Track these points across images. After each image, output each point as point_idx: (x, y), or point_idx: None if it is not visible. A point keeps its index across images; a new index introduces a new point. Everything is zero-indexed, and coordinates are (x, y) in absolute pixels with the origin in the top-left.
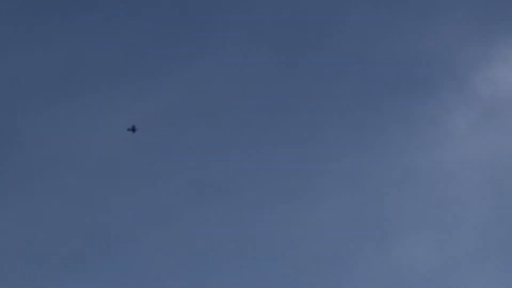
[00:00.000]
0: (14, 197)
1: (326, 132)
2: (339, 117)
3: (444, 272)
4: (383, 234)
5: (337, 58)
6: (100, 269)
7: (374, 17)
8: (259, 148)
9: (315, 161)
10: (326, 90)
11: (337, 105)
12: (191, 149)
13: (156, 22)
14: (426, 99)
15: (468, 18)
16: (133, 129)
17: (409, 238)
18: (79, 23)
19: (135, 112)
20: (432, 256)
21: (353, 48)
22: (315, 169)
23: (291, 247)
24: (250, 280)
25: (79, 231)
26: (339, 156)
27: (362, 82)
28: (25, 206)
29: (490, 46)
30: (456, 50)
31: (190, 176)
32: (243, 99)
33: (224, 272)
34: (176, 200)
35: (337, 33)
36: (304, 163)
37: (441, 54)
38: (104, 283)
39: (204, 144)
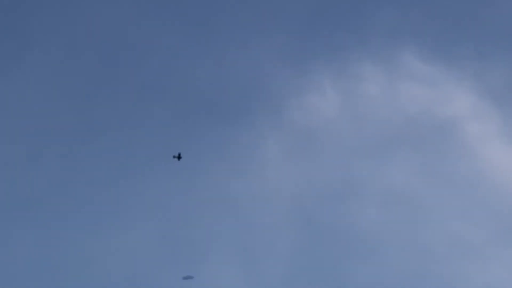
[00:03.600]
0: None
1: (135, 156)
2: (153, 141)
3: None
4: (189, 259)
5: (152, 81)
6: None
7: (189, 41)
8: (69, 169)
9: (125, 184)
10: (139, 113)
11: (152, 129)
12: None
13: None
14: (240, 125)
15: (283, 45)
16: (179, 157)
17: (216, 264)
18: None
19: None
20: (237, 283)
21: (168, 72)
22: (125, 191)
23: (96, 269)
24: None
25: None
26: (151, 180)
27: (177, 108)
28: None
29: (304, 74)
30: (271, 77)
31: None
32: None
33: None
34: None
35: (152, 54)
36: (115, 186)
37: (255, 81)
38: None
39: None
